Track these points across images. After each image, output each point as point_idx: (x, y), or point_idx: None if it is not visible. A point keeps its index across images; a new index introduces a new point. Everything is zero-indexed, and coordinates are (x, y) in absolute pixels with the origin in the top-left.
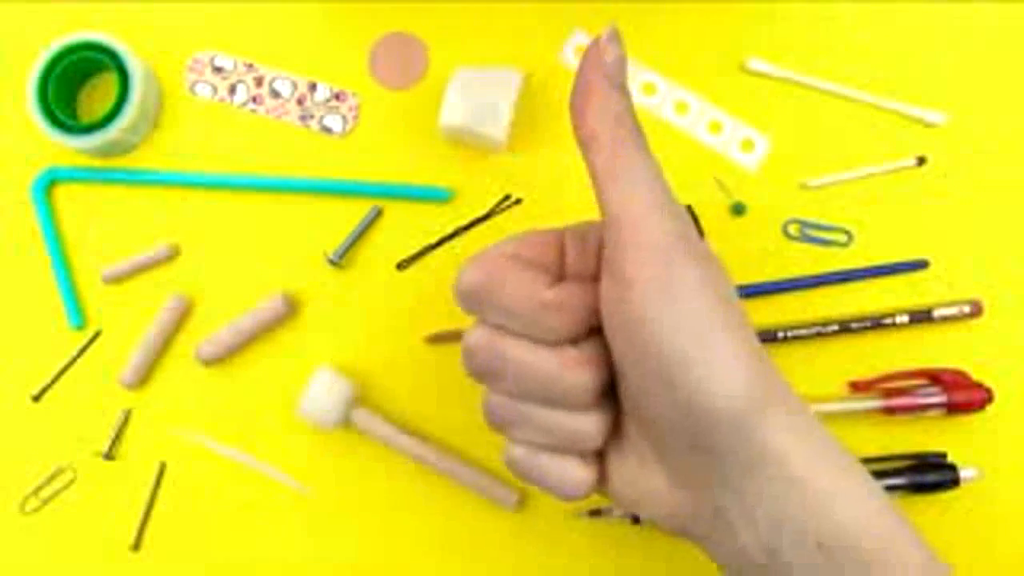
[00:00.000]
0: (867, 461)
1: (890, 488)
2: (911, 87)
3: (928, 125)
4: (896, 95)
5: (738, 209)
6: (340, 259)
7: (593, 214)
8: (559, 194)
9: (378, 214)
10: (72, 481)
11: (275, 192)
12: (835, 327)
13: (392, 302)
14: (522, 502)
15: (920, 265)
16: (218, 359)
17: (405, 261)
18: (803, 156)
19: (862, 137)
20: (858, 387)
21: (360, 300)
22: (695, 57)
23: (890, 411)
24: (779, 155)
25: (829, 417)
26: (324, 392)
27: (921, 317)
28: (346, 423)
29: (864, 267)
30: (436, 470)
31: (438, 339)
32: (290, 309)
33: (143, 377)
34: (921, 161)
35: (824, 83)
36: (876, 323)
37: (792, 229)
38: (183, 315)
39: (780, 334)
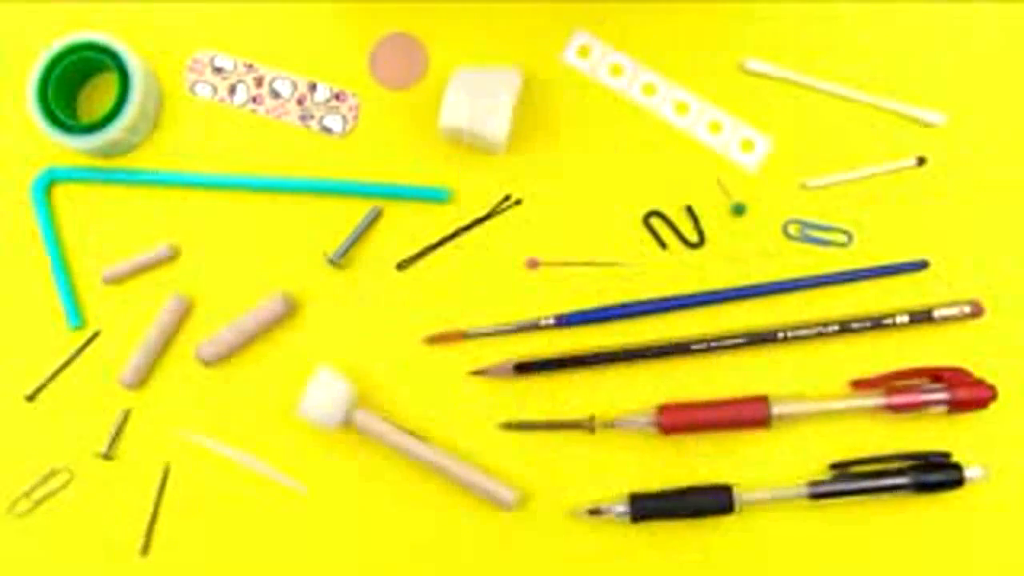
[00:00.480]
0: (871, 460)
1: (893, 488)
2: (911, 87)
3: (927, 125)
4: (896, 95)
5: (738, 209)
6: (340, 259)
7: (591, 214)
8: (559, 194)
9: (378, 214)
10: (68, 481)
11: (275, 192)
12: (835, 327)
13: (392, 302)
14: (521, 502)
15: (920, 266)
16: (218, 359)
17: (405, 261)
18: (803, 156)
19: (862, 137)
20: (860, 385)
21: (360, 300)
22: (695, 57)
23: (893, 409)
24: (779, 155)
25: (831, 415)
26: (324, 393)
27: (921, 317)
28: (346, 423)
29: (865, 268)
30: (435, 470)
31: (437, 340)
32: (290, 309)
33: (143, 378)
34: (921, 161)
35: (824, 83)
36: (876, 323)
37: (792, 229)
38: (183, 315)
39: (780, 334)
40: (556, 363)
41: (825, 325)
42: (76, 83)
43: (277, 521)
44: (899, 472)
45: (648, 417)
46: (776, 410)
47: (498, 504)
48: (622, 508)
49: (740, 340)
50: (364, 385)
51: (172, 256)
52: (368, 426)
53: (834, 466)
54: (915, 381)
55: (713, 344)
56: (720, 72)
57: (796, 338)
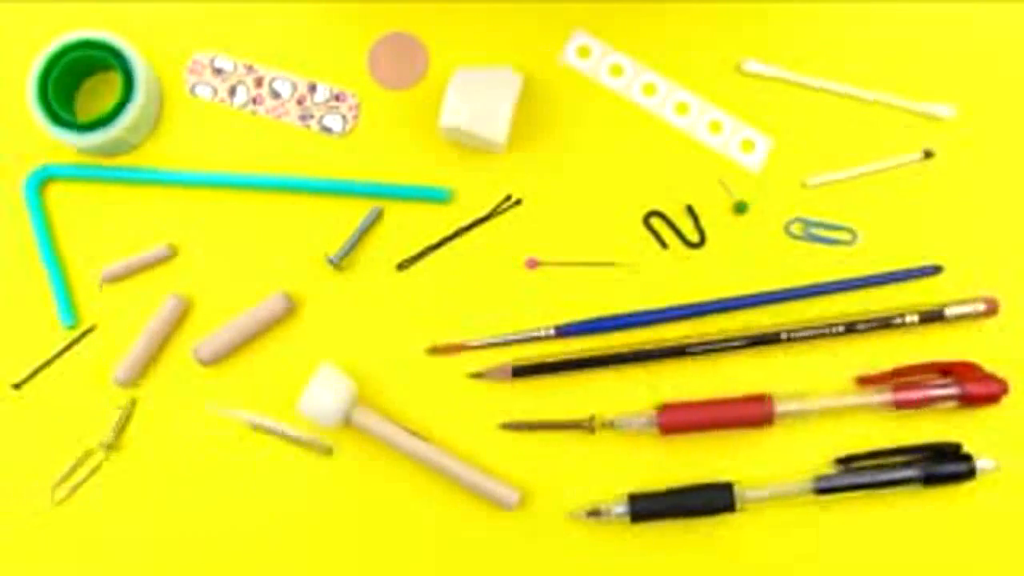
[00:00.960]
0: (878, 454)
1: (902, 482)
2: (916, 81)
3: (934, 119)
4: (901, 90)
5: (741, 208)
6: (340, 261)
7: (592, 214)
8: (560, 194)
9: (379, 215)
10: (103, 461)
11: (275, 191)
12: (841, 328)
13: (392, 303)
14: (522, 503)
15: (933, 270)
16: (216, 359)
17: (405, 262)
18: (806, 155)
19: (867, 134)
20: (866, 381)
21: (360, 302)
22: (696, 57)
23: (900, 405)
24: (781, 154)
25: (835, 413)
26: (325, 390)
27: (933, 316)
28: (346, 421)
29: (875, 274)
30: (436, 470)
31: (439, 351)
32: (290, 309)
33: (138, 376)
34: (928, 155)
35: (826, 82)
36: (884, 323)
37: (795, 228)
38: (181, 315)
39: (783, 335)
40: (555, 366)
41: (831, 326)
42: (75, 82)
43: (274, 522)
44: (907, 465)
45: (648, 417)
46: (779, 408)
47: (500, 504)
48: (621, 509)
49: (742, 342)
50: (363, 386)
51: (171, 256)
52: (368, 425)
53: (840, 460)
54: (923, 376)
55: (714, 346)
56: (721, 72)
57: (799, 339)
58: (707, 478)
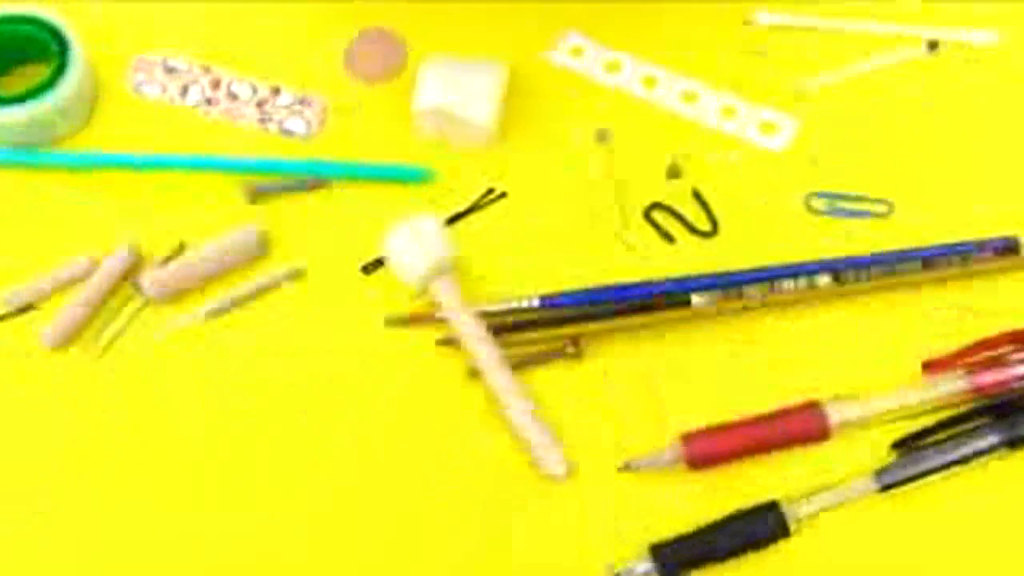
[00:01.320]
0: (940, 427)
1: (980, 453)
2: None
3: (977, 48)
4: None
5: (673, 172)
6: (255, 197)
7: (581, 211)
8: (546, 188)
9: (320, 184)
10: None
11: (211, 173)
12: (918, 261)
13: (357, 309)
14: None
15: (1005, 245)
16: (168, 296)
17: (370, 265)
18: (830, 131)
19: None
20: (933, 367)
21: (320, 306)
22: (700, 49)
23: (979, 391)
24: (804, 135)
25: (902, 411)
26: (416, 237)
27: (1008, 248)
28: (424, 289)
29: (935, 245)
30: (494, 396)
31: (401, 322)
32: (262, 248)
33: (69, 339)
34: (933, 46)
35: (847, 23)
36: (960, 255)
37: (820, 204)
38: (129, 271)
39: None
40: (539, 323)
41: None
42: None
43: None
44: (980, 431)
45: (671, 453)
46: (834, 417)
47: (545, 473)
48: (645, 567)
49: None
50: (320, 369)
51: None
52: (444, 303)
53: (897, 445)
54: (1002, 350)
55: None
56: (728, 58)
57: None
58: (741, 504)
